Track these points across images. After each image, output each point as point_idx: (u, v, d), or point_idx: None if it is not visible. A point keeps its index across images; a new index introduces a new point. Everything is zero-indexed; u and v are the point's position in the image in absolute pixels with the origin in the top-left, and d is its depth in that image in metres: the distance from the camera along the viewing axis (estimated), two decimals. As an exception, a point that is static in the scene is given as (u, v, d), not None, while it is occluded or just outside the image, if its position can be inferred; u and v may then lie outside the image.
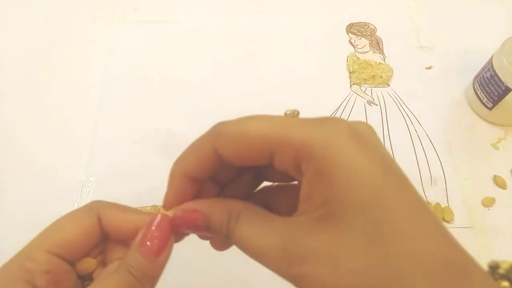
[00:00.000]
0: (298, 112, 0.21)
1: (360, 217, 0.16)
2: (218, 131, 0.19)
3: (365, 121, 0.44)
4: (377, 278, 0.16)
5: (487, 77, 0.41)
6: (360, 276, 0.16)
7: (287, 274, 0.17)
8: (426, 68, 0.48)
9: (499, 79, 0.40)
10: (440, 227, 0.17)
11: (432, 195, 0.39)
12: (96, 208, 0.22)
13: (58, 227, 0.22)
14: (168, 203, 0.21)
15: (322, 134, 0.17)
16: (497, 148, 0.42)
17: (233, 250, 0.37)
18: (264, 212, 0.19)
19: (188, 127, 0.43)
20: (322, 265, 0.16)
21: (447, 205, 0.39)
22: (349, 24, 0.51)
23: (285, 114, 0.21)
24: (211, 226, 0.20)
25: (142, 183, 0.40)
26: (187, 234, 0.22)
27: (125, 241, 0.22)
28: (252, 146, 0.18)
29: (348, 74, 0.47)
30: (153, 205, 0.38)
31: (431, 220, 0.17)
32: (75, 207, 0.38)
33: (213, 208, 0.20)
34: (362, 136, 0.18)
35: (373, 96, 0.45)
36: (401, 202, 0.16)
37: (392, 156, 0.18)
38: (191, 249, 0.36)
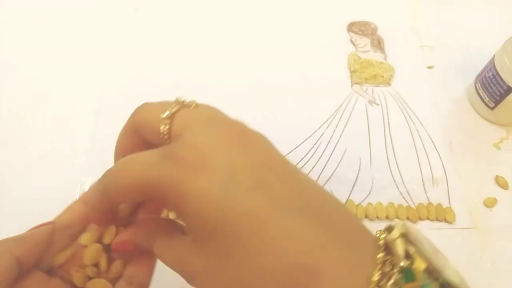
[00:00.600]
0: (181, 102, 0.23)
1: (213, 242, 0.18)
2: (104, 183, 0.22)
3: (366, 120, 0.43)
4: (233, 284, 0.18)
5: (489, 77, 0.41)
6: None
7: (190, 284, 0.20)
8: (428, 67, 0.48)
9: (501, 79, 0.39)
10: (295, 229, 0.17)
11: (433, 196, 0.39)
12: (6, 249, 0.22)
13: None
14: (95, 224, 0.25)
15: (170, 175, 0.19)
16: (499, 148, 0.42)
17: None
18: (170, 231, 0.22)
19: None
20: (205, 280, 0.19)
21: (448, 205, 0.39)
22: (350, 23, 0.51)
23: (176, 100, 0.23)
24: (139, 248, 0.23)
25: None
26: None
27: None
28: (130, 193, 0.21)
29: (349, 74, 0.47)
30: (152, 205, 0.38)
31: (281, 226, 0.17)
32: (74, 207, 0.38)
33: (136, 235, 0.23)
34: (204, 161, 0.18)
35: (374, 96, 0.45)
36: (245, 218, 0.17)
37: (251, 158, 0.19)
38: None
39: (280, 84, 0.46)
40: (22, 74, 0.46)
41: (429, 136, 0.43)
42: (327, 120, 0.43)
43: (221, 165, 0.18)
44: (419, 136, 0.42)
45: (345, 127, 0.43)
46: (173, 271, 0.21)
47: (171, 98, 0.47)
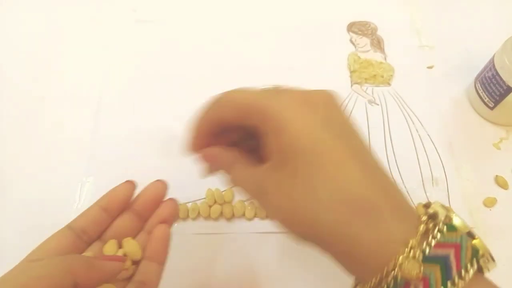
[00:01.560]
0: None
1: (300, 162, 0.22)
2: (218, 101, 0.27)
3: (366, 120, 0.43)
4: (303, 207, 0.22)
5: (488, 77, 0.41)
6: (294, 204, 0.22)
7: (260, 202, 0.24)
8: (428, 67, 0.48)
9: (501, 79, 0.39)
10: (369, 173, 0.22)
11: (433, 196, 0.39)
12: (69, 268, 0.22)
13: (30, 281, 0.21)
14: (196, 145, 0.29)
15: (278, 102, 0.23)
16: (499, 148, 0.42)
17: (234, 252, 0.36)
18: (246, 163, 0.26)
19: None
20: (274, 197, 0.23)
21: (448, 205, 0.39)
22: (350, 23, 0.51)
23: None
24: (220, 167, 0.27)
25: (142, 183, 0.39)
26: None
27: None
28: (237, 111, 0.25)
29: (349, 74, 0.47)
30: (152, 206, 0.38)
31: (360, 166, 0.22)
32: (74, 207, 0.38)
33: (222, 157, 0.27)
34: (311, 102, 0.24)
35: (374, 96, 0.45)
36: (334, 151, 0.22)
37: (344, 119, 0.24)
38: (191, 251, 0.36)
39: (280, 84, 0.46)
40: (23, 75, 0.46)
41: (429, 136, 0.43)
42: (327, 120, 0.43)
43: (320, 111, 0.23)
44: (419, 136, 0.42)
45: (345, 127, 0.43)
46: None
47: (170, 97, 0.47)
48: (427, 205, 0.23)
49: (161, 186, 0.29)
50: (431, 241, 0.20)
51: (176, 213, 0.28)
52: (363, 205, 0.21)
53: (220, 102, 0.26)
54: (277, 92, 0.25)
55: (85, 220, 0.27)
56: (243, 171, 0.25)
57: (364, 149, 0.23)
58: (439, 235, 0.21)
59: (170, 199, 0.29)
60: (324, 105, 0.24)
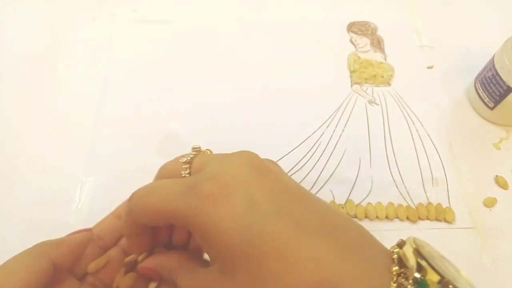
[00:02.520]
0: (197, 149, 0.25)
1: (240, 269, 0.19)
2: (129, 207, 0.24)
3: (366, 120, 0.43)
4: None
5: (488, 77, 0.41)
6: None
7: None
8: (428, 67, 0.48)
9: (501, 79, 0.39)
10: (315, 249, 0.19)
11: (433, 196, 0.39)
12: (41, 251, 0.23)
13: (6, 276, 0.21)
14: (134, 247, 0.26)
15: (195, 206, 0.20)
16: (499, 148, 0.42)
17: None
18: (193, 266, 0.24)
19: (188, 127, 0.43)
20: None
21: (448, 205, 0.39)
22: (350, 23, 0.51)
23: (192, 148, 0.25)
24: (165, 277, 0.25)
25: (141, 184, 0.39)
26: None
27: None
28: (150, 217, 0.23)
29: (349, 74, 0.47)
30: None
31: (303, 247, 0.19)
32: (74, 207, 0.38)
33: (161, 267, 0.25)
34: (228, 191, 0.20)
35: (374, 96, 0.45)
36: (269, 242, 0.19)
37: (271, 186, 0.21)
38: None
39: (280, 84, 0.46)
40: (22, 75, 0.46)
41: (429, 136, 0.43)
42: (327, 120, 0.43)
43: (242, 194, 0.20)
44: (419, 136, 0.42)
45: (345, 127, 0.43)
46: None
47: (170, 98, 0.47)
48: (400, 245, 0.20)
49: None
50: None
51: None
52: None
53: (133, 210, 0.24)
54: (193, 187, 0.21)
55: (100, 228, 0.27)
56: (192, 279, 0.23)
57: (308, 214, 0.20)
58: None
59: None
60: (243, 184, 0.20)
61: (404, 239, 0.20)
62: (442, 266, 0.19)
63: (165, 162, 0.40)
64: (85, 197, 0.38)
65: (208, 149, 0.25)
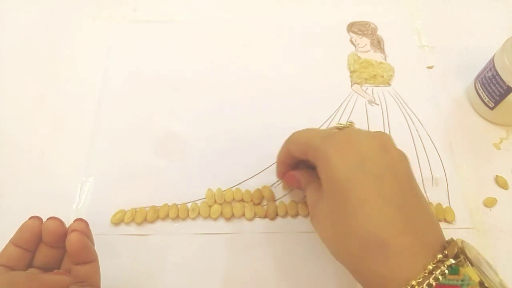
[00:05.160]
0: (351, 123, 0.32)
1: (335, 195, 0.26)
2: (288, 139, 0.33)
3: (366, 120, 0.43)
4: (331, 238, 0.27)
5: (488, 77, 0.41)
6: (326, 233, 0.28)
7: (310, 220, 0.31)
8: (428, 67, 0.48)
9: (501, 79, 0.39)
10: (390, 211, 0.24)
11: (433, 196, 0.39)
12: (11, 281, 0.26)
13: None
14: (279, 173, 0.36)
15: (326, 144, 0.28)
16: (499, 148, 0.42)
17: (234, 252, 0.36)
18: (318, 185, 0.30)
19: (188, 127, 0.43)
20: (319, 223, 0.29)
21: (448, 205, 0.39)
22: (350, 23, 0.51)
23: (347, 122, 0.32)
24: (300, 186, 0.34)
25: (141, 184, 0.39)
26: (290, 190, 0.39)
27: None
28: (299, 148, 0.31)
29: (349, 74, 0.47)
30: (152, 206, 0.38)
31: (382, 204, 0.25)
32: (74, 207, 0.38)
33: (302, 177, 0.34)
34: (354, 145, 0.27)
35: (374, 96, 0.45)
36: (360, 188, 0.25)
37: (386, 161, 0.27)
38: (191, 251, 0.36)
39: (280, 84, 0.46)
40: (22, 74, 0.46)
41: (429, 136, 0.43)
42: (327, 120, 0.43)
43: (359, 152, 0.27)
44: (419, 136, 0.42)
45: (345, 127, 0.43)
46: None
47: (170, 98, 0.47)
48: (448, 242, 0.25)
49: (56, 223, 0.30)
50: (432, 282, 0.22)
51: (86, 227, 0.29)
52: (373, 241, 0.24)
53: (290, 140, 0.33)
54: (330, 134, 0.29)
55: (6, 258, 0.29)
56: (312, 192, 0.31)
57: (395, 190, 0.25)
58: (440, 277, 0.22)
59: (78, 219, 0.30)
60: (366, 148, 0.27)
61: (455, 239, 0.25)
62: (485, 270, 0.23)
63: (165, 162, 0.40)
64: (85, 197, 0.38)
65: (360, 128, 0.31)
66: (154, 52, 0.48)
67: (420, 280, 0.22)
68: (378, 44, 0.49)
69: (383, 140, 0.28)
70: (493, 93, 0.41)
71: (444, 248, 0.24)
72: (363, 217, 0.24)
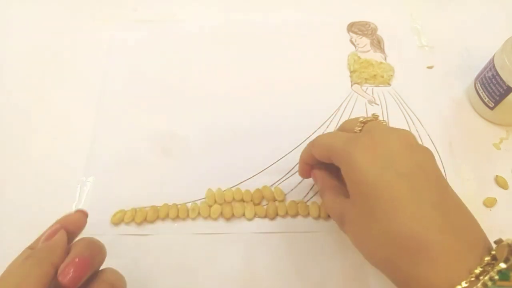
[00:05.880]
0: (376, 116, 0.31)
1: (363, 202, 0.26)
2: (312, 142, 0.32)
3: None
4: (364, 242, 0.26)
5: (488, 77, 0.41)
6: (359, 238, 0.27)
7: (340, 228, 0.30)
8: (428, 67, 0.48)
9: (501, 79, 0.39)
10: (425, 211, 0.23)
11: (433, 196, 0.39)
12: (47, 259, 0.25)
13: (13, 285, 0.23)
14: (301, 172, 0.36)
15: (350, 147, 0.27)
16: (499, 148, 0.42)
17: (234, 252, 0.36)
18: (338, 191, 0.31)
19: (188, 127, 0.43)
20: (349, 228, 0.28)
21: None
22: (350, 23, 0.51)
23: (372, 114, 0.31)
24: (318, 187, 0.34)
25: (141, 184, 0.39)
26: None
27: None
28: (322, 151, 0.30)
29: (349, 74, 0.47)
30: (152, 206, 0.38)
31: (415, 204, 0.23)
32: (73, 207, 0.38)
33: (322, 179, 0.33)
34: (378, 147, 0.26)
35: (374, 96, 0.45)
36: (391, 188, 0.24)
37: (413, 160, 0.26)
38: (191, 251, 0.36)
39: (280, 84, 0.46)
40: (22, 74, 0.46)
41: (429, 136, 0.43)
42: (327, 120, 0.43)
43: (385, 154, 0.26)
44: (419, 136, 0.42)
45: (345, 127, 0.43)
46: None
47: (170, 98, 0.47)
48: (497, 242, 0.23)
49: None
50: None
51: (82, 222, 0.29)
52: (412, 243, 0.22)
53: (313, 143, 0.32)
54: (353, 137, 0.28)
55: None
56: (332, 199, 0.31)
57: (428, 187, 0.24)
58: (489, 283, 0.20)
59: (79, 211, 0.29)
60: (392, 148, 0.26)
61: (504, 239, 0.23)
62: None
63: (165, 162, 0.40)
64: (85, 197, 0.38)
65: (384, 120, 0.31)
66: (154, 52, 0.48)
67: (467, 285, 0.20)
68: (378, 44, 0.49)
69: (408, 139, 0.27)
70: (493, 93, 0.41)
71: (490, 249, 0.22)
72: (398, 217, 0.23)
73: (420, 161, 0.26)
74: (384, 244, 0.24)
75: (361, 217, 0.26)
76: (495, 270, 0.20)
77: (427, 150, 0.27)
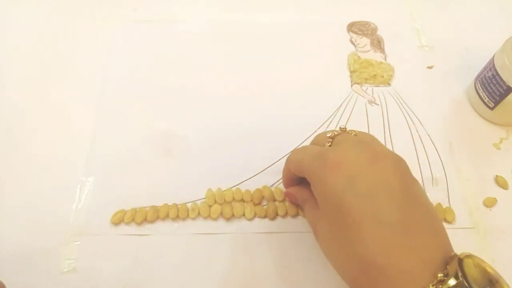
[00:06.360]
0: (344, 129, 0.31)
1: (331, 220, 0.27)
2: (287, 158, 0.34)
3: (366, 120, 0.43)
4: (332, 257, 0.28)
5: (488, 77, 0.41)
6: (328, 251, 0.28)
7: (315, 238, 0.30)
8: (428, 67, 0.48)
9: (501, 79, 0.39)
10: (383, 234, 0.24)
11: (433, 196, 0.39)
12: None
13: None
14: (285, 186, 0.36)
15: (316, 166, 0.28)
16: (499, 148, 0.42)
17: (234, 252, 0.36)
18: (314, 203, 0.31)
19: (188, 127, 0.43)
20: (320, 239, 0.29)
21: (448, 205, 0.39)
22: (350, 23, 0.51)
23: (340, 128, 0.32)
24: (296, 202, 0.36)
25: (141, 184, 0.39)
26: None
27: None
28: (294, 167, 0.32)
29: (349, 74, 0.47)
30: (152, 206, 0.38)
31: (375, 227, 0.24)
32: (74, 207, 0.38)
33: (299, 195, 0.34)
34: (341, 166, 0.26)
35: (374, 96, 0.45)
36: (353, 211, 0.25)
37: (376, 177, 0.26)
38: (191, 251, 0.36)
39: (280, 84, 0.46)
40: (22, 74, 0.46)
41: (428, 136, 0.43)
42: (327, 120, 0.43)
43: (348, 171, 0.26)
44: (419, 136, 0.42)
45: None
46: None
47: (170, 98, 0.47)
48: (456, 258, 0.23)
49: None
50: None
51: None
52: (372, 267, 0.23)
53: (288, 158, 0.33)
54: (320, 154, 0.28)
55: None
56: (308, 210, 0.32)
57: (389, 207, 0.25)
58: None
59: None
60: (354, 164, 0.26)
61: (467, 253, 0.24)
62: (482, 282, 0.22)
63: (165, 162, 0.40)
64: (85, 197, 0.38)
65: (352, 130, 0.31)
66: (154, 52, 0.48)
67: None
68: (378, 44, 0.49)
69: (371, 150, 0.27)
70: (493, 93, 0.41)
71: (447, 264, 0.23)
72: (360, 243, 0.24)
73: (384, 176, 0.26)
74: (350, 264, 0.25)
75: (330, 233, 0.27)
76: (445, 287, 0.21)
77: (393, 158, 0.27)
